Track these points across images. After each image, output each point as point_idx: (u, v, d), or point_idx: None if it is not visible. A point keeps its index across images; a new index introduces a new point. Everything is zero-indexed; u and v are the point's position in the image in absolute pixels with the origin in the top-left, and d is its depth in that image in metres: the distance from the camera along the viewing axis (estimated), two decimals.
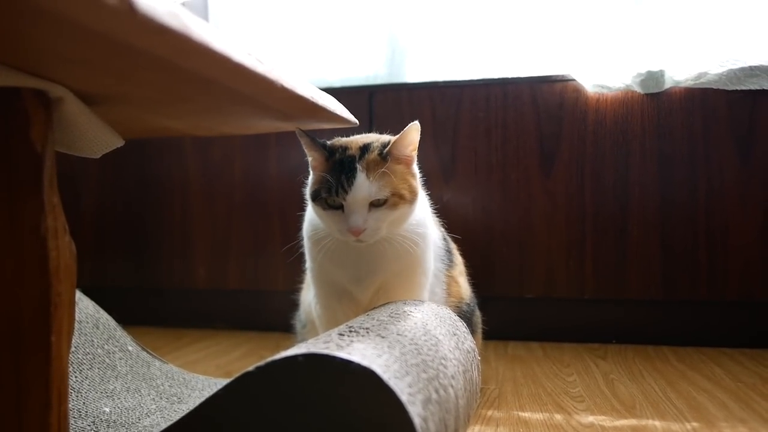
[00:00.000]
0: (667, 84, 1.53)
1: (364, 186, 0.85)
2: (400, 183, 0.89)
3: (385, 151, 0.89)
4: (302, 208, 1.06)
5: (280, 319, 1.41)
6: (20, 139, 0.45)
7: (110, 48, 0.38)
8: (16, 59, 0.42)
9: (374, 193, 0.85)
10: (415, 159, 0.95)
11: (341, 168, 0.87)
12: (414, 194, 0.91)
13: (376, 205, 0.86)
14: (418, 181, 0.95)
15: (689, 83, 1.51)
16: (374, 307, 0.89)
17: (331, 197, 0.86)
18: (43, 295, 0.46)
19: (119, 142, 0.61)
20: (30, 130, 0.46)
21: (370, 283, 0.94)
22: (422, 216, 0.97)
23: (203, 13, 0.88)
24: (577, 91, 1.59)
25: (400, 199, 0.88)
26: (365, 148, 0.90)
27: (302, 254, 1.06)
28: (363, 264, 0.92)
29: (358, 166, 0.86)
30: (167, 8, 0.35)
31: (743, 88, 1.48)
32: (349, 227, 0.84)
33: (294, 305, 1.21)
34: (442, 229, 1.13)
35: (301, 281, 1.18)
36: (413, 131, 0.89)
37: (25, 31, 0.35)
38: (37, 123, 0.46)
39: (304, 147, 0.95)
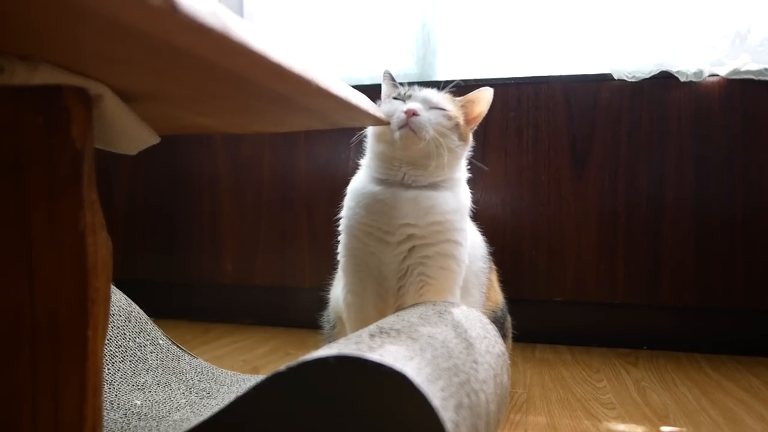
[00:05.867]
0: (705, 74, 1.48)
1: (431, 91, 0.97)
2: (458, 117, 0.96)
3: (457, 98, 1.00)
4: (330, 206, 1.06)
5: (306, 316, 1.41)
6: (61, 136, 0.46)
7: (151, 47, 0.38)
8: (58, 57, 0.43)
9: (438, 99, 0.95)
10: (474, 127, 1.02)
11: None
12: (464, 138, 0.98)
13: (434, 108, 0.94)
14: (470, 141, 1.02)
15: (728, 73, 1.47)
16: (403, 308, 0.88)
17: (402, 92, 0.98)
18: (80, 290, 0.47)
19: (155, 139, 0.62)
20: (71, 128, 0.46)
21: (400, 239, 0.91)
22: (465, 201, 0.99)
23: (238, 9, 0.89)
24: (612, 91, 1.56)
25: (455, 120, 0.95)
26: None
27: (331, 250, 1.06)
28: (396, 212, 0.91)
29: (434, 89, 0.99)
30: (209, 8, 0.35)
31: None
32: (407, 108, 0.90)
33: (320, 302, 1.21)
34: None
35: (329, 279, 1.18)
36: (484, 99, 0.99)
37: (67, 29, 0.35)
38: (78, 120, 0.47)
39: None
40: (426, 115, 0.91)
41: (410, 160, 0.93)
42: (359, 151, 1.06)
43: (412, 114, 0.89)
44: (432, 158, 0.91)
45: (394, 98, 0.97)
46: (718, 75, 1.49)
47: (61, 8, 0.31)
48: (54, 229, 0.46)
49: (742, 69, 1.46)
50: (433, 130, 0.90)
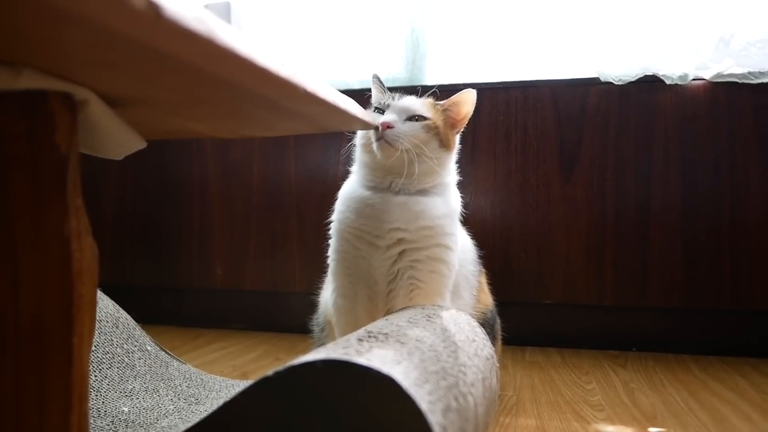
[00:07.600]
0: (690, 77, 1.50)
1: (410, 99, 0.97)
2: (440, 123, 0.97)
3: (438, 101, 0.99)
4: (320, 209, 1.06)
5: (296, 321, 1.41)
6: (45, 141, 0.46)
7: (136, 52, 0.38)
8: (42, 62, 0.42)
9: (416, 107, 0.95)
10: (461, 129, 1.02)
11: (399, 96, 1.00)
12: (448, 144, 0.98)
13: (412, 120, 0.94)
14: (455, 145, 1.02)
15: (712, 77, 1.49)
16: (393, 312, 0.88)
17: (383, 102, 0.98)
18: (65, 296, 0.46)
19: (142, 144, 0.61)
20: (55, 133, 0.46)
21: (390, 243, 0.92)
22: (455, 206, 1.00)
23: (226, 15, 0.89)
24: (599, 95, 1.57)
25: (435, 128, 0.95)
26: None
27: (322, 254, 1.06)
28: (386, 216, 0.92)
29: (413, 95, 0.99)
30: (194, 13, 0.35)
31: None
32: (383, 120, 0.92)
33: (311, 306, 1.21)
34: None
35: (319, 283, 1.18)
36: (468, 101, 0.99)
37: (51, 34, 0.35)
38: (63, 125, 0.46)
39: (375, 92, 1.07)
40: (401, 128, 0.92)
41: (390, 169, 0.94)
42: (349, 157, 1.06)
43: (386, 127, 0.91)
44: (411, 166, 0.91)
45: (376, 108, 0.98)
46: (703, 78, 1.51)
47: (44, 13, 0.30)
48: (38, 235, 0.46)
49: (726, 72, 1.48)
50: (408, 142, 0.91)
